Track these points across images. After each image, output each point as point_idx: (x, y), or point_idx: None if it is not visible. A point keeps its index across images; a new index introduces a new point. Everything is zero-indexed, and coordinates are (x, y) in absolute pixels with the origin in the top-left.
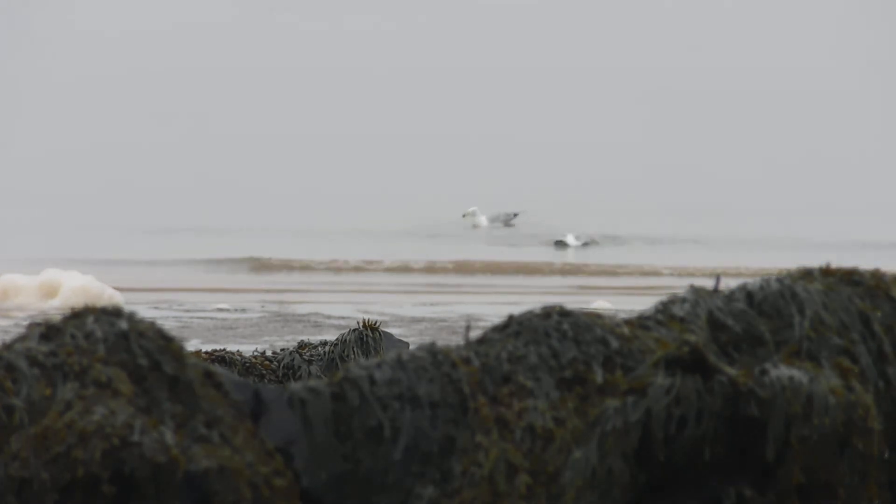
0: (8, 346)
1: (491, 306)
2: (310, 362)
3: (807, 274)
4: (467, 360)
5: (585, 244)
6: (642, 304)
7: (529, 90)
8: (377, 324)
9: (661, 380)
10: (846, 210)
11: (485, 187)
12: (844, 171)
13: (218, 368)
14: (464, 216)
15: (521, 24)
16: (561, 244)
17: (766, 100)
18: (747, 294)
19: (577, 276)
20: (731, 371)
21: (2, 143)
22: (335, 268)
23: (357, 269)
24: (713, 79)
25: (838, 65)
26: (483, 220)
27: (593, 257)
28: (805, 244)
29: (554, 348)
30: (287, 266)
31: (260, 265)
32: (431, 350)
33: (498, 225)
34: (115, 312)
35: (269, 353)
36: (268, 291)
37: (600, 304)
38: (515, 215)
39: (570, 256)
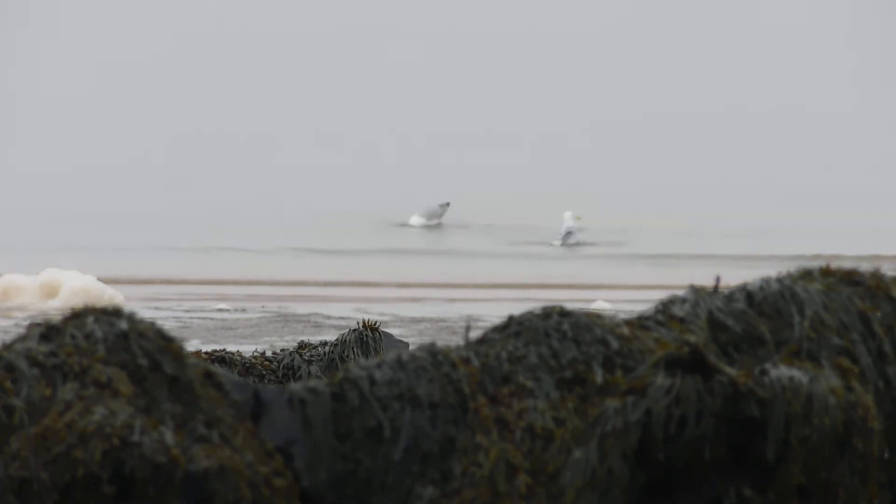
0: (8, 346)
1: (491, 306)
2: (310, 362)
3: (807, 274)
4: (467, 361)
5: (431, 224)
6: (642, 304)
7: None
8: (377, 324)
9: (661, 380)
10: (841, 220)
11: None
12: (841, 183)
13: (218, 368)
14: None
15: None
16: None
17: (761, 118)
18: (747, 294)
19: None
20: (731, 371)
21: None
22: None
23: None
24: (705, 97)
25: (833, 84)
26: (417, 219)
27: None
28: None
29: (554, 348)
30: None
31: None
32: (431, 350)
33: (434, 221)
34: (115, 313)
35: (269, 354)
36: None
37: (600, 304)
38: (448, 204)
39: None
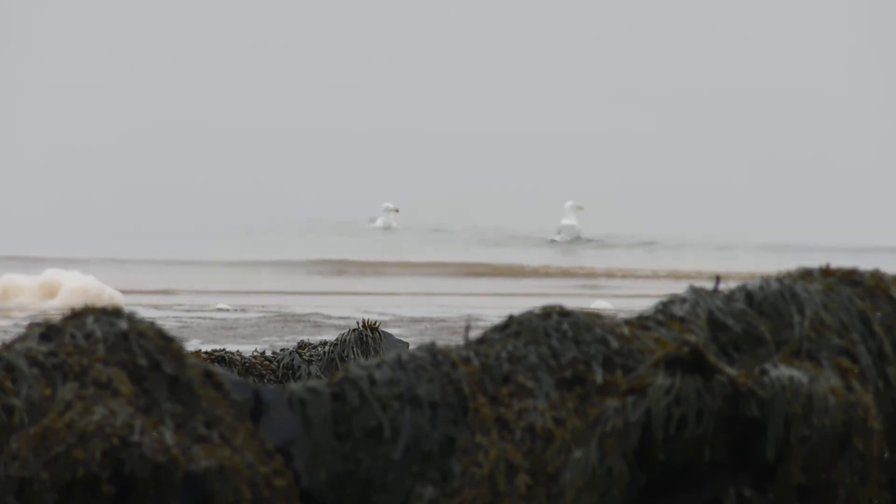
0: (8, 346)
1: (491, 307)
2: (310, 362)
3: (807, 274)
4: (467, 360)
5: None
6: (642, 304)
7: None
8: (377, 324)
9: (661, 380)
10: (845, 214)
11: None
12: (844, 175)
13: (218, 368)
14: (387, 211)
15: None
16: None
17: (763, 100)
18: (747, 294)
19: (576, 276)
20: (731, 371)
21: (4, 141)
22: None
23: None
24: (704, 78)
25: (839, 68)
26: (393, 221)
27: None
28: (803, 248)
29: (554, 348)
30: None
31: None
32: (431, 350)
33: (389, 225)
34: (115, 312)
35: (269, 353)
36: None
37: (600, 304)
38: (396, 209)
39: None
